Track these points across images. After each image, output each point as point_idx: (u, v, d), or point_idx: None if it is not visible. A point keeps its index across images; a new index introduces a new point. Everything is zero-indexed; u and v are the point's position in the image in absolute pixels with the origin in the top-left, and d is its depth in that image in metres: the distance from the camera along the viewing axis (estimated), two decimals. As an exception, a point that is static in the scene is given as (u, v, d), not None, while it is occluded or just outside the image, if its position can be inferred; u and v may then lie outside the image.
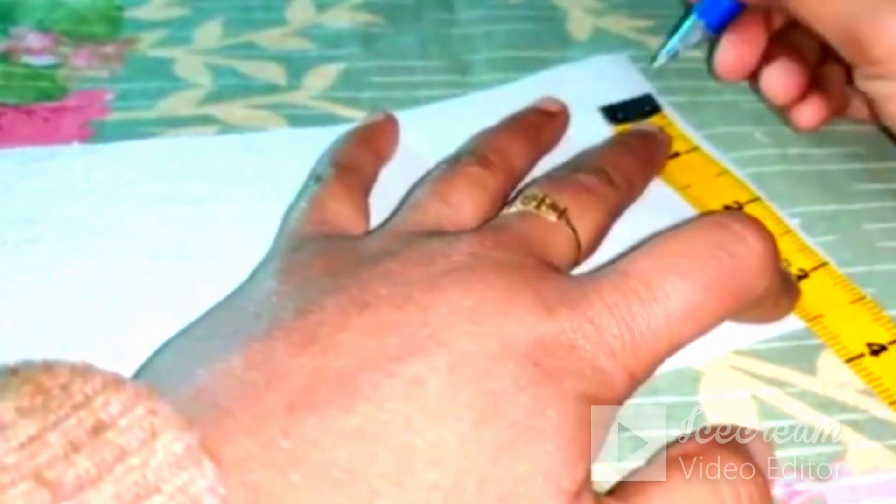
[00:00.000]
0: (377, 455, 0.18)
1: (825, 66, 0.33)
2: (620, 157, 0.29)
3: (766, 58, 0.33)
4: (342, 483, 0.17)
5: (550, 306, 0.20)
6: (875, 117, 0.31)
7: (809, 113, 0.33)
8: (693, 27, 0.34)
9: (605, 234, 0.27)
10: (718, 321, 0.22)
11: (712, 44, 0.34)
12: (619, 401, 0.21)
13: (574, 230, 0.25)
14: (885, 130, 0.31)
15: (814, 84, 0.33)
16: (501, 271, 0.21)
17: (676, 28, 0.35)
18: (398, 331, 0.19)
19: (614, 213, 0.27)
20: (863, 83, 0.30)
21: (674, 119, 0.35)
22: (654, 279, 0.21)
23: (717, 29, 0.34)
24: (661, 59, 0.35)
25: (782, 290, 0.26)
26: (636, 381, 0.21)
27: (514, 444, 0.18)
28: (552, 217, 0.25)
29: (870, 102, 0.31)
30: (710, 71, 0.34)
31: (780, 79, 0.33)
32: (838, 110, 0.34)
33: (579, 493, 0.19)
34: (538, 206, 0.25)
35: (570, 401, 0.19)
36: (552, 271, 0.23)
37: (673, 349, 0.21)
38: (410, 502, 0.17)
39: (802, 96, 0.33)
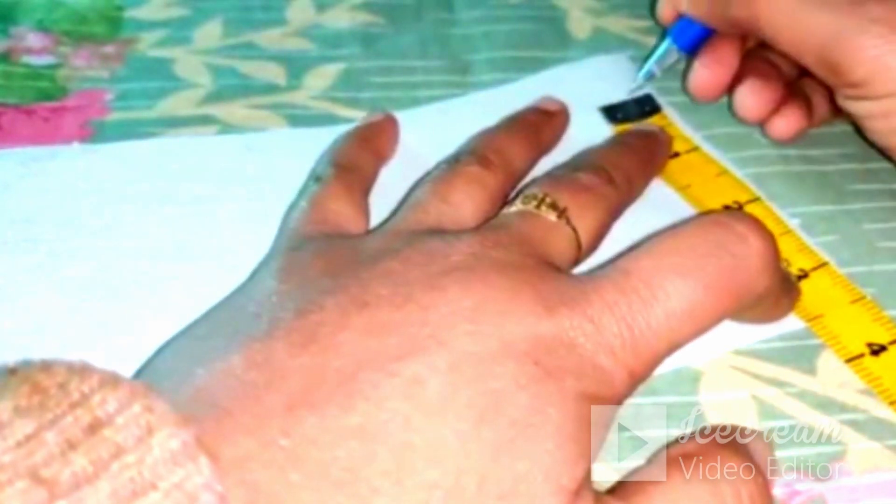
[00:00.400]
0: (377, 454, 0.18)
1: (809, 77, 0.33)
2: (621, 157, 0.29)
3: (740, 75, 0.33)
4: (342, 482, 0.17)
5: (550, 305, 0.20)
6: (860, 132, 0.32)
7: (784, 125, 0.33)
8: (668, 51, 0.35)
9: (605, 233, 0.27)
10: (718, 320, 0.22)
11: (689, 62, 0.35)
12: (620, 400, 0.21)
13: (574, 229, 0.25)
14: (873, 144, 0.31)
15: (791, 96, 0.33)
16: (502, 271, 0.21)
17: (653, 51, 0.35)
18: (398, 330, 0.19)
19: (614, 213, 0.27)
20: (845, 103, 0.31)
21: (674, 119, 0.35)
22: (654, 278, 0.21)
23: (690, 51, 0.34)
24: (639, 82, 0.35)
25: (782, 289, 0.26)
26: (636, 379, 0.21)
27: (514, 443, 0.18)
28: (552, 216, 0.25)
29: (854, 120, 0.31)
30: (685, 90, 0.35)
31: (748, 100, 0.33)
32: (831, 116, 0.34)
33: (579, 491, 0.19)
34: (538, 206, 0.25)
35: (571, 399, 0.19)
36: (552, 271, 0.23)
37: (673, 348, 0.21)
38: (410, 501, 0.17)
39: (776, 110, 0.33)
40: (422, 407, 0.18)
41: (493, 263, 0.22)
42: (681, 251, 0.22)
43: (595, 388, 0.20)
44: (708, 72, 0.33)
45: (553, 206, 0.25)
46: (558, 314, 0.20)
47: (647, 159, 0.31)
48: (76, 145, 0.33)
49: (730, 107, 0.34)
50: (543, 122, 0.32)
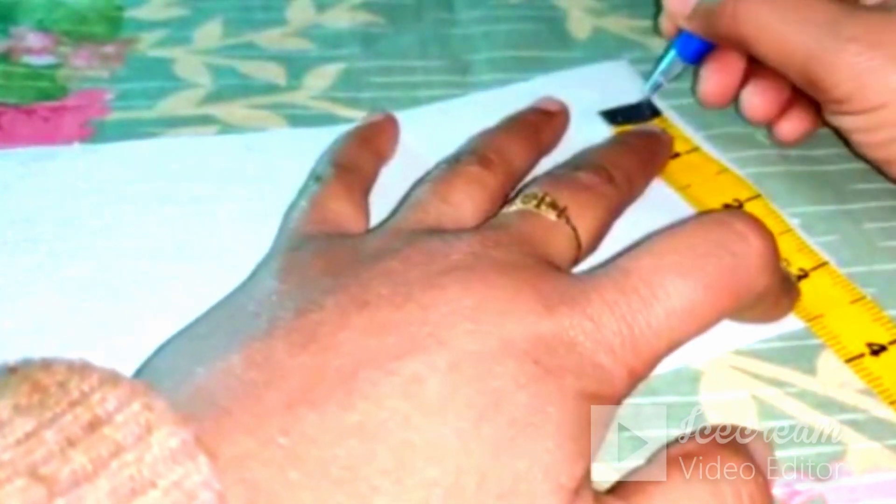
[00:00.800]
0: (376, 452, 0.18)
1: None
2: (621, 156, 0.29)
3: (747, 78, 0.34)
4: (341, 480, 0.17)
5: (550, 304, 0.20)
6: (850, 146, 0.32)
7: (789, 127, 0.34)
8: (673, 61, 0.35)
9: (605, 232, 0.27)
10: (718, 319, 0.22)
11: (696, 70, 0.35)
12: (619, 398, 0.21)
13: (574, 228, 0.25)
14: (862, 157, 0.32)
15: (798, 98, 0.33)
16: (501, 270, 0.21)
17: (658, 62, 0.36)
18: (398, 329, 0.19)
19: (615, 212, 0.27)
20: (831, 118, 0.31)
21: (674, 121, 0.35)
22: (654, 277, 0.21)
23: (695, 61, 0.35)
24: (647, 94, 0.36)
25: (782, 289, 0.26)
26: (636, 378, 0.21)
27: (514, 442, 0.18)
28: (552, 216, 0.25)
29: (842, 134, 0.31)
30: (695, 97, 0.35)
31: (754, 100, 0.33)
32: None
33: (578, 490, 0.19)
34: (538, 205, 0.25)
35: (571, 398, 0.19)
36: (552, 270, 0.23)
37: (673, 347, 0.21)
38: (410, 499, 0.17)
39: (782, 112, 0.33)
40: (421, 406, 0.18)
41: (493, 263, 0.22)
42: (681, 250, 0.22)
43: (595, 387, 0.20)
44: (714, 79, 0.34)
45: (553, 206, 0.25)
46: (558, 313, 0.20)
47: (647, 159, 0.31)
48: (76, 145, 0.33)
49: (735, 107, 0.34)
50: (543, 122, 0.32)
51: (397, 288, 0.20)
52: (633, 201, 0.29)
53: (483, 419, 0.18)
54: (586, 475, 0.19)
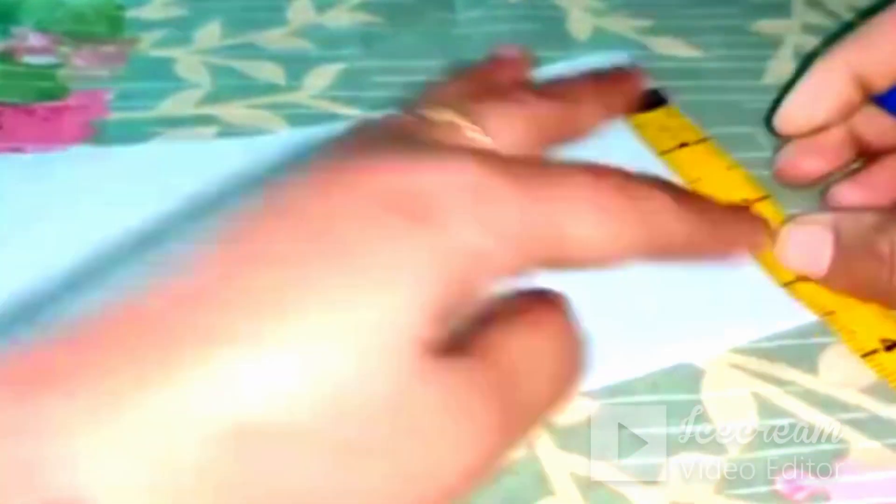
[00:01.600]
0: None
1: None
2: (568, 81, 0.26)
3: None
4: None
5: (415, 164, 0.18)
6: None
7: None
8: None
9: (527, 142, 0.23)
10: (631, 248, 0.20)
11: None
12: (497, 272, 0.18)
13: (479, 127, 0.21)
14: None
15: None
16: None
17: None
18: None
19: (542, 123, 0.24)
20: None
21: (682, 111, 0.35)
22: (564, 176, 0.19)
23: None
24: None
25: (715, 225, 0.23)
26: (523, 260, 0.18)
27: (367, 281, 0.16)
28: (450, 116, 0.21)
29: None
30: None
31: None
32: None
33: (434, 347, 0.17)
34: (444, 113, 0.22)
35: (437, 254, 0.17)
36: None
37: (566, 252, 0.19)
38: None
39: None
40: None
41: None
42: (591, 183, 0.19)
43: (470, 250, 0.17)
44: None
45: (459, 111, 0.22)
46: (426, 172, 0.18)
47: (603, 87, 0.27)
48: (78, 148, 0.33)
49: (735, 108, 0.34)
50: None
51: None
52: (584, 129, 0.25)
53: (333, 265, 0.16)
54: (445, 337, 0.17)
